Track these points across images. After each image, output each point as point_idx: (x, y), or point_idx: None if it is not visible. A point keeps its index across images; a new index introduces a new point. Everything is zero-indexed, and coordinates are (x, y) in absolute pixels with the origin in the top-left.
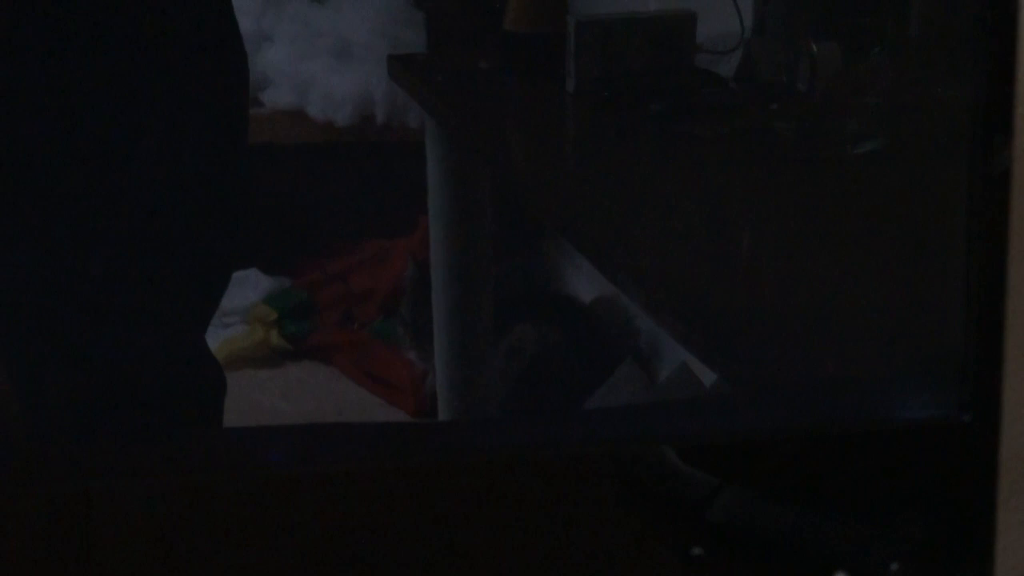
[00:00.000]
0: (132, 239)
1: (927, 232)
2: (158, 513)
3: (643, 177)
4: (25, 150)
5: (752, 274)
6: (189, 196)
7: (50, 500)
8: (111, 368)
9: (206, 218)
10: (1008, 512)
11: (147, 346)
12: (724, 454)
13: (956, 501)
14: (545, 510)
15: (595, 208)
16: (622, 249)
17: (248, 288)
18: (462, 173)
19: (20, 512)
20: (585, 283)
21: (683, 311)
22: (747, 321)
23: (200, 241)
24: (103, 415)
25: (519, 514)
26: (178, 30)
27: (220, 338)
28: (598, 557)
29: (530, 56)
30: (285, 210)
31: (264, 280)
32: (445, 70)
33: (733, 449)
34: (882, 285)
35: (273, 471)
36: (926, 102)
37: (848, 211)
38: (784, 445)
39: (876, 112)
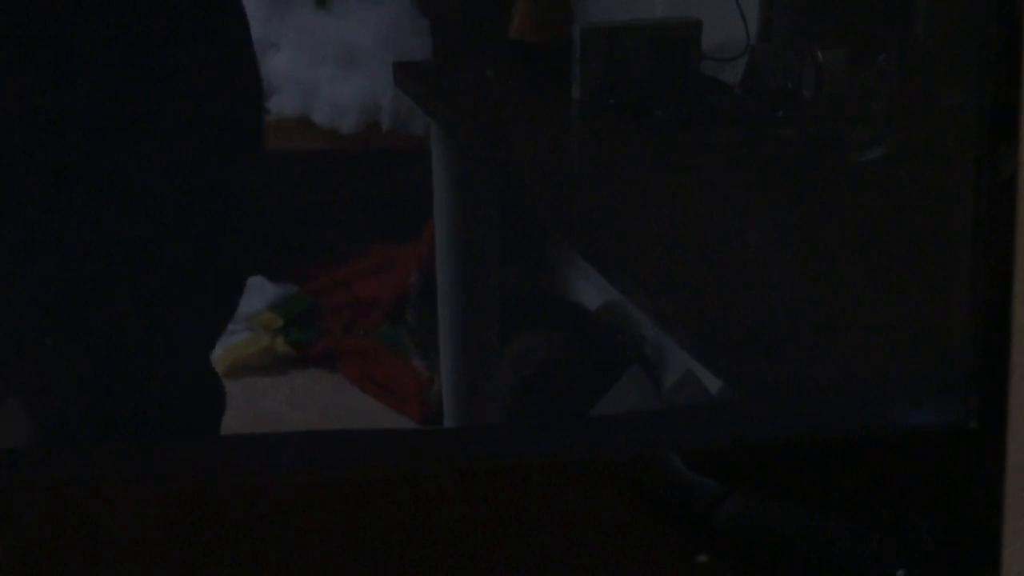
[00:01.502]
0: (139, 252)
1: (933, 239)
2: (164, 519)
3: (649, 184)
4: (30, 158)
5: (758, 281)
6: (197, 216)
7: (58, 506)
8: (113, 380)
9: (214, 237)
10: (1015, 518)
11: (152, 361)
12: (730, 461)
13: (963, 507)
14: (551, 516)
15: (601, 215)
16: (628, 256)
17: (254, 295)
18: (468, 180)
19: (30, 517)
20: (591, 290)
21: (689, 318)
22: (753, 328)
23: (209, 261)
24: (101, 426)
25: (525, 520)
26: (194, 50)
27: (225, 345)
28: (604, 563)
29: (536, 64)
30: (291, 217)
31: (270, 287)
32: (451, 77)
33: (739, 456)
34: (888, 292)
35: (279, 478)
36: (932, 109)
37: (854, 218)
38: (790, 452)
39: (882, 119)
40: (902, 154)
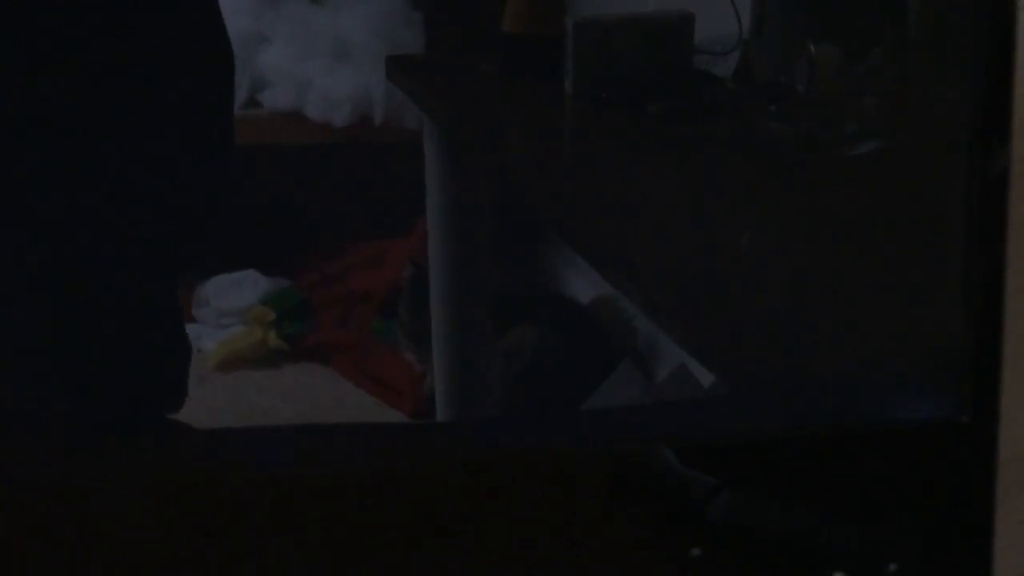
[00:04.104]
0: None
1: (926, 233)
2: (156, 513)
3: (641, 178)
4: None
5: (751, 275)
6: (160, 187)
7: (47, 500)
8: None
9: (177, 210)
10: (1007, 512)
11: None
12: (722, 455)
13: (955, 501)
14: (543, 511)
15: (593, 209)
16: (620, 250)
17: (246, 289)
18: (460, 174)
19: (18, 510)
20: (583, 284)
21: (682, 312)
22: (746, 322)
23: (172, 236)
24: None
25: (517, 515)
26: (161, 28)
27: (218, 339)
28: (597, 558)
29: (529, 57)
30: (283, 211)
31: (262, 281)
32: (443, 71)
33: (731, 450)
34: (880, 286)
35: (271, 471)
36: (925, 103)
37: (846, 212)
38: (782, 446)
39: (874, 113)
40: (895, 148)
